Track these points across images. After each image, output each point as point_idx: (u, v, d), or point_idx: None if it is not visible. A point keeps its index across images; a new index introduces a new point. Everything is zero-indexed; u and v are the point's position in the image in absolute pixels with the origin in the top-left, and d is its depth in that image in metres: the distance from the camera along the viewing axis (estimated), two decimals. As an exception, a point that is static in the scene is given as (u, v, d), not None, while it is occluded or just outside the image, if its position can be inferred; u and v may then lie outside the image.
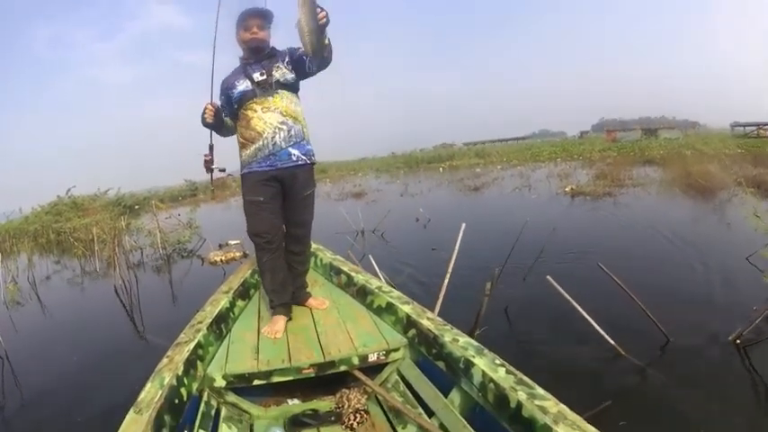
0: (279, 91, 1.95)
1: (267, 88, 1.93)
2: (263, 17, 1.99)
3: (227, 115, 2.09)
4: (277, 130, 1.93)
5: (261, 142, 1.94)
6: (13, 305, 4.81)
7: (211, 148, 2.17)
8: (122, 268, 4.61)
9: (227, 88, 2.02)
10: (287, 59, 2.00)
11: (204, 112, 2.02)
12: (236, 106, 1.99)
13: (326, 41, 1.77)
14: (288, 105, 1.96)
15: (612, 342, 2.27)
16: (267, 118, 1.92)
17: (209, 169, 2.17)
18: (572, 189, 8.41)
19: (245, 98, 1.95)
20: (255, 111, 1.93)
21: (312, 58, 1.87)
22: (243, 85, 1.96)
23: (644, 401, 1.92)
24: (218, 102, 2.07)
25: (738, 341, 2.23)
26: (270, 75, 1.94)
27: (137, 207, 15.25)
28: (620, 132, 27.73)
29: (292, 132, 1.96)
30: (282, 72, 1.96)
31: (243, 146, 2.02)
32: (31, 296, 5.19)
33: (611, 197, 7.46)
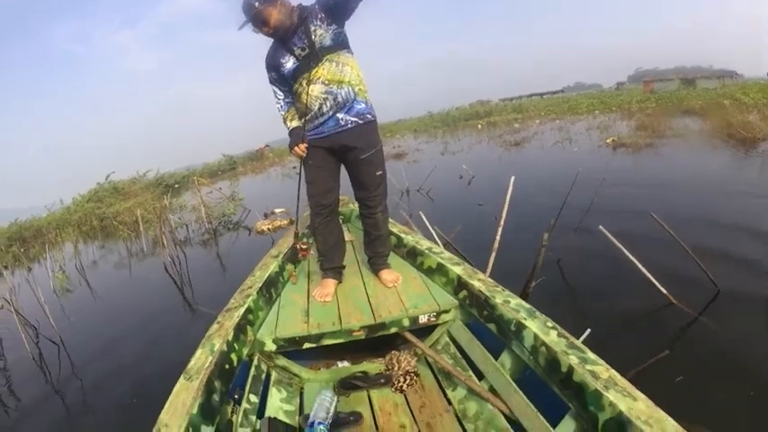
0: (324, 58, 1.83)
1: (313, 60, 1.83)
2: (263, 10, 1.73)
3: (282, 92, 2.03)
4: (323, 101, 1.88)
5: (309, 114, 1.93)
6: (64, 292, 4.85)
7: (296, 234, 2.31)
8: (170, 245, 4.58)
9: (276, 66, 1.93)
10: (320, 15, 1.79)
11: (293, 149, 1.99)
12: (291, 81, 1.94)
13: None
14: (333, 71, 1.85)
15: (664, 291, 2.27)
16: (311, 90, 1.87)
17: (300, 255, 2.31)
18: (613, 141, 8.23)
19: (296, 73, 1.89)
20: (302, 85, 1.88)
21: None
22: (290, 63, 1.88)
23: (698, 351, 1.93)
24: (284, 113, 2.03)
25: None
26: (311, 45, 1.80)
27: (177, 185, 15.54)
28: (658, 83, 27.15)
29: (339, 99, 1.88)
30: (322, 34, 1.80)
31: (296, 116, 2.02)
32: (80, 282, 5.23)
33: (653, 148, 7.26)
